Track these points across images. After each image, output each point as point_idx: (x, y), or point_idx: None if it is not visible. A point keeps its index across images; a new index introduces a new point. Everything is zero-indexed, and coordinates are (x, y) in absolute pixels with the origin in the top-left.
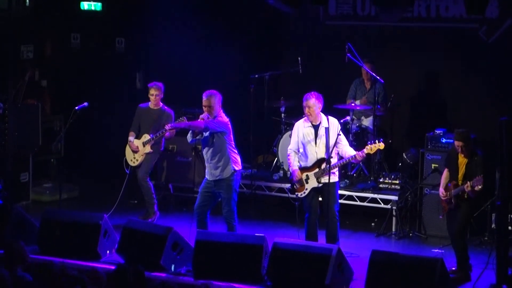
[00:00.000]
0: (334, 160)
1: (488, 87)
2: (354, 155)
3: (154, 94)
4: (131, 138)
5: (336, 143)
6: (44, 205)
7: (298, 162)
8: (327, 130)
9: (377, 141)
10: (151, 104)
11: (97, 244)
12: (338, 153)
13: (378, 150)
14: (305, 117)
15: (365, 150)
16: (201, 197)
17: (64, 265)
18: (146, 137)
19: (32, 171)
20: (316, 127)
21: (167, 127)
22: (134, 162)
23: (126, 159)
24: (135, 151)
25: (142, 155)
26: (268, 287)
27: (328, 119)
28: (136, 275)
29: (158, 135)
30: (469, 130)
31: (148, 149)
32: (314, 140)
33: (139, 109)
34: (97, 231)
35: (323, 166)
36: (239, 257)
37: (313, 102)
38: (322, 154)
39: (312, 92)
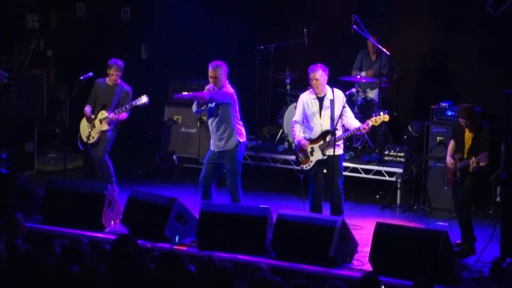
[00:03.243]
0: (339, 133)
1: (494, 60)
2: (359, 127)
3: (114, 74)
4: (87, 109)
5: (341, 115)
6: (48, 175)
7: (303, 134)
8: (332, 102)
9: (381, 113)
10: (109, 81)
11: (102, 215)
12: (343, 126)
13: (383, 122)
14: (310, 89)
15: (370, 122)
16: (206, 168)
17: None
18: (103, 113)
19: (37, 141)
20: (321, 99)
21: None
22: (90, 140)
23: (80, 136)
24: (90, 122)
25: (98, 133)
26: (272, 259)
27: (333, 91)
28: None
29: (120, 110)
30: (472, 105)
31: (105, 126)
32: (319, 112)
33: (96, 84)
34: (102, 202)
35: (328, 138)
36: (244, 228)
37: (320, 74)
38: (327, 126)
39: (318, 64)
